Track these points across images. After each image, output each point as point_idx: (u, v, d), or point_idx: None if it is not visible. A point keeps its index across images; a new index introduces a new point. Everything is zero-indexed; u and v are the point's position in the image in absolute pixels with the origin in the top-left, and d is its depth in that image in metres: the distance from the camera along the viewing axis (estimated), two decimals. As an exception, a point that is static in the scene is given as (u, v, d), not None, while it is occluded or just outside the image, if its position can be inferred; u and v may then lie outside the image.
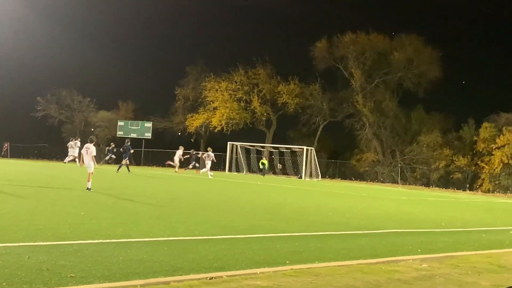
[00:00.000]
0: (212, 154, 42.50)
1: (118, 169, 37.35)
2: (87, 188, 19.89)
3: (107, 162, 49.60)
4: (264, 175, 54.48)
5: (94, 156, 20.92)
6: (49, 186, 21.92)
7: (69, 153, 45.80)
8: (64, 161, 46.22)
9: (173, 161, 44.53)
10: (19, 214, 12.35)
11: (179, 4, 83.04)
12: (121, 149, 39.84)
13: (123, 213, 14.04)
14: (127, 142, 38.89)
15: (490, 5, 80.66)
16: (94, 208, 14.58)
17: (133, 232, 10.94)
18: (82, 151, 21.34)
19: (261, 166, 56.90)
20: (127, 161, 38.51)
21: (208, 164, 41.95)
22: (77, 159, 44.68)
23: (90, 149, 20.89)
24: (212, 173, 40.63)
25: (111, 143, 49.60)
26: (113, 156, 47.25)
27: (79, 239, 9.69)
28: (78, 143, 44.13)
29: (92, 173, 20.42)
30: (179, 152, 44.46)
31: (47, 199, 16.24)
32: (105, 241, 9.70)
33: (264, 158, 58.76)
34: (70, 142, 45.92)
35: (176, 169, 43.96)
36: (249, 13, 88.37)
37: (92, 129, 66.56)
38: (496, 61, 70.78)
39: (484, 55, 71.97)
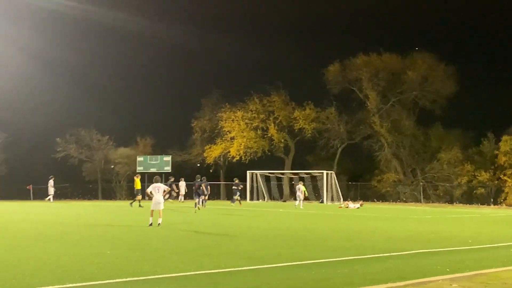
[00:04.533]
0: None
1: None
2: (158, 224, 20.90)
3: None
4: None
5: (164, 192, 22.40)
6: (73, 226, 22.02)
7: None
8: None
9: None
10: (46, 257, 12.42)
11: (191, 37, 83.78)
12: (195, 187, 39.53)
13: (148, 250, 14.06)
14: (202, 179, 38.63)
15: (502, 17, 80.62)
16: (119, 246, 14.63)
17: (160, 269, 10.94)
18: (152, 191, 21.99)
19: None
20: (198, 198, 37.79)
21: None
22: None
23: (161, 187, 21.97)
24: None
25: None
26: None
27: (107, 278, 9.71)
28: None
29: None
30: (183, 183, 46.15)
31: (71, 240, 16.32)
32: (133, 279, 9.72)
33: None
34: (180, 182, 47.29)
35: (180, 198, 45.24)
36: (260, 41, 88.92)
37: (112, 166, 66.91)
38: (511, 72, 70.55)
39: (499, 67, 71.82)
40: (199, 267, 11.20)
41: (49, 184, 49.29)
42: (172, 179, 44.63)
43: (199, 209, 35.42)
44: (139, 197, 39.71)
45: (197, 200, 36.85)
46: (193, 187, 38.68)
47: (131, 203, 40.09)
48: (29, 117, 68.00)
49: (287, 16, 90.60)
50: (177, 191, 46.63)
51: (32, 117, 68.28)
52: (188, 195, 48.90)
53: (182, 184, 48.33)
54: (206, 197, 38.84)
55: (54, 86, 70.34)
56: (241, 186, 46.82)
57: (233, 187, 45.47)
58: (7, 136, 64.04)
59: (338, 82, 64.04)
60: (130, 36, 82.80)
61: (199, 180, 37.76)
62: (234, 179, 46.26)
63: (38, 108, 70.03)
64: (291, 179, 63.10)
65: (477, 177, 56.99)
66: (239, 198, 44.97)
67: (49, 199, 48.91)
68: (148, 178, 56.92)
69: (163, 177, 51.70)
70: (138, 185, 40.21)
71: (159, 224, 20.89)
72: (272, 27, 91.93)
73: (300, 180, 52.79)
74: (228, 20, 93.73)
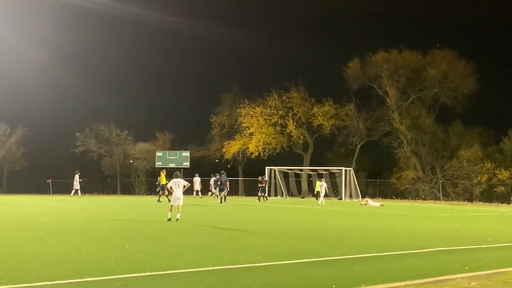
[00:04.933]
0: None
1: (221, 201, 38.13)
2: (177, 219, 20.97)
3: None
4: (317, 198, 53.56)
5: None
6: (92, 220, 22.15)
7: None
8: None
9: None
10: (65, 251, 12.50)
11: (211, 33, 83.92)
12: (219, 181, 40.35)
13: (167, 245, 14.11)
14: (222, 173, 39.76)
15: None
16: (137, 241, 14.69)
17: (178, 263, 10.99)
18: (172, 186, 22.10)
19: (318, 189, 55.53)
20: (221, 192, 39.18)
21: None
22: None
23: (181, 183, 22.10)
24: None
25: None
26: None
27: (125, 272, 9.76)
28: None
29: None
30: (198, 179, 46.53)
31: (90, 234, 16.42)
32: (151, 273, 9.76)
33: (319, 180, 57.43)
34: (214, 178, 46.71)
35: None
36: (279, 37, 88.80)
37: (131, 161, 67.22)
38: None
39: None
40: (217, 262, 11.22)
41: (74, 179, 49.70)
42: (218, 176, 44.96)
43: (220, 201, 37.12)
44: (166, 192, 39.89)
45: (222, 193, 38.43)
46: (219, 182, 39.66)
47: (159, 199, 39.70)
48: (49, 111, 68.58)
49: (307, 13, 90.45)
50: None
51: (52, 111, 68.86)
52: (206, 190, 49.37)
53: (197, 180, 48.62)
54: (226, 192, 39.81)
55: (74, 80, 70.94)
56: (264, 183, 47.16)
57: (259, 184, 46.03)
58: (27, 130, 64.64)
59: (358, 78, 63.83)
60: (151, 32, 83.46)
61: (224, 175, 39.22)
62: (262, 176, 47.52)
63: (58, 103, 70.61)
64: (309, 176, 63.02)
65: (497, 175, 56.53)
66: (263, 194, 45.56)
67: (76, 193, 49.20)
68: (167, 174, 57.15)
69: (183, 172, 52.01)
70: (163, 180, 40.37)
71: (177, 219, 20.95)
72: (292, 23, 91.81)
73: (318, 177, 52.80)
74: (248, 16, 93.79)
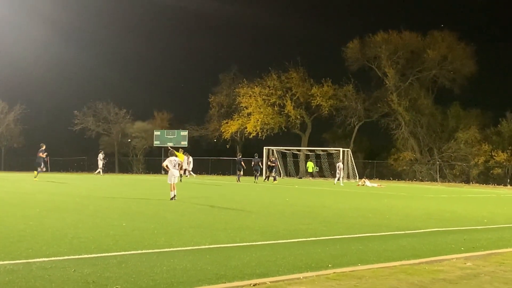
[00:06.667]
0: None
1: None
2: (172, 197, 21.26)
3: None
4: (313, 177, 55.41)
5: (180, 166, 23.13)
6: (90, 198, 22.16)
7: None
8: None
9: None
10: (63, 228, 12.53)
11: (209, 14, 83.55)
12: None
13: (164, 223, 14.14)
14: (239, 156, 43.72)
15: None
16: (135, 219, 14.71)
17: (175, 242, 11.02)
18: (168, 164, 21.93)
19: (310, 170, 57.17)
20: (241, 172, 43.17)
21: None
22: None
23: (176, 161, 22.17)
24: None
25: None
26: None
27: (123, 250, 9.80)
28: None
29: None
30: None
31: (88, 212, 16.44)
32: (148, 251, 9.80)
33: (310, 161, 58.80)
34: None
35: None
36: (279, 17, 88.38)
37: (129, 140, 67.23)
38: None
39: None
40: (214, 241, 11.26)
41: (98, 158, 49.92)
42: (240, 156, 45.95)
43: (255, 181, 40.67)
44: (181, 171, 39.94)
45: (257, 173, 42.60)
46: (252, 164, 42.07)
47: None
48: (48, 89, 68.49)
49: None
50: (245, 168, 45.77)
51: (50, 89, 68.76)
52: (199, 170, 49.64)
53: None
54: (241, 172, 43.13)
55: (73, 58, 70.74)
56: (275, 163, 47.59)
57: (270, 164, 46.78)
58: (25, 107, 64.53)
59: (357, 59, 63.71)
60: (150, 10, 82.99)
61: (256, 157, 43.20)
62: (271, 157, 48.47)
63: (56, 80, 70.51)
64: (307, 156, 63.10)
65: (494, 157, 56.65)
66: (274, 175, 45.95)
67: (99, 172, 49.42)
68: (165, 153, 57.24)
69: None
70: (181, 157, 40.40)
71: (173, 197, 21.11)
72: (292, 3, 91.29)
73: (335, 158, 53.62)
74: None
